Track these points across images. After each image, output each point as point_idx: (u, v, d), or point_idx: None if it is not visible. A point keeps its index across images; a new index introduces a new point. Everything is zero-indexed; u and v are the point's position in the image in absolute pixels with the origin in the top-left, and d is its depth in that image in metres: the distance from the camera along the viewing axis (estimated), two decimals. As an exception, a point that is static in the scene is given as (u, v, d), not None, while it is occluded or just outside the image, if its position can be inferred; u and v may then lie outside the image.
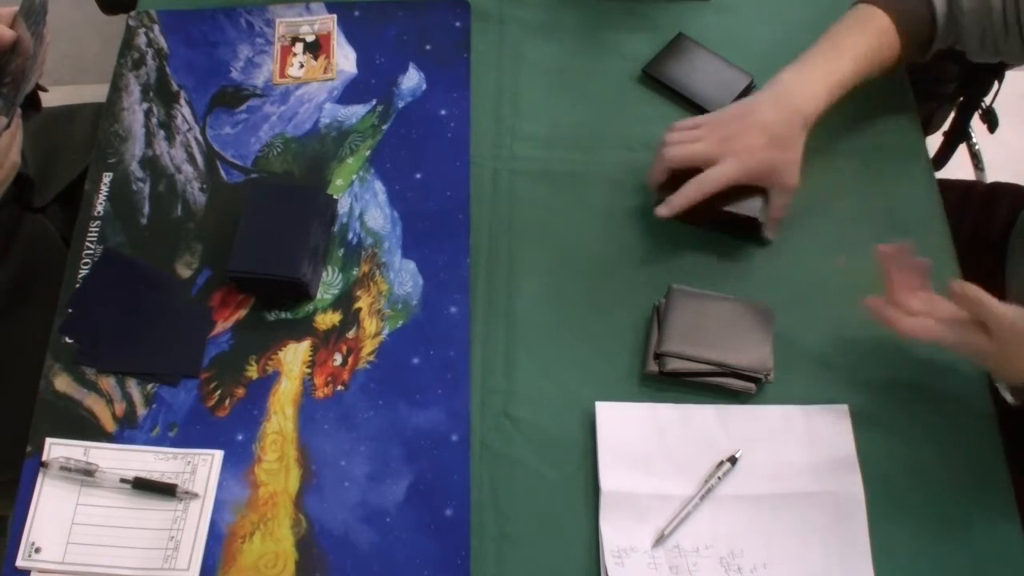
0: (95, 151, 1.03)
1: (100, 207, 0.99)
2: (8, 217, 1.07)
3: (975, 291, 0.75)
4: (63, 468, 0.85)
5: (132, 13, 1.12)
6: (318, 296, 0.94)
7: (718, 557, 0.82)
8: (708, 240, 0.97)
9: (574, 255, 0.97)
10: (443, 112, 1.05)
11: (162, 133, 1.04)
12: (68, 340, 0.92)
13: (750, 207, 0.92)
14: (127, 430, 0.88)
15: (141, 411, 0.89)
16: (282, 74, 1.08)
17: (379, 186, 1.01)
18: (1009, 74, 1.28)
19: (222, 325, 0.93)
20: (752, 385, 0.87)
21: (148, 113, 1.06)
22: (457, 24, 1.11)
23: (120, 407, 0.89)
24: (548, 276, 0.96)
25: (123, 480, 0.84)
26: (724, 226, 0.95)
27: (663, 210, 0.91)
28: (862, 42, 0.90)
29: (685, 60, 1.06)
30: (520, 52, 1.09)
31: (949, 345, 0.79)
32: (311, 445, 0.87)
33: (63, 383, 0.90)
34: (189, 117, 1.05)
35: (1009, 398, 0.83)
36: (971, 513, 0.82)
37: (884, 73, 0.93)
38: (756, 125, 0.88)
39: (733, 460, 0.85)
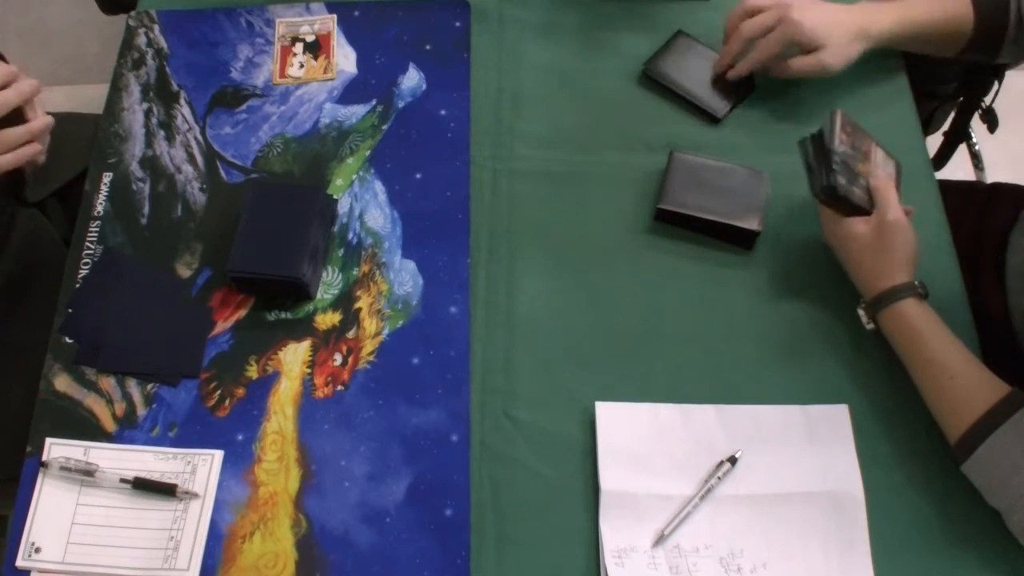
0: (95, 151, 1.03)
1: (100, 207, 0.99)
2: (1, 211, 1.07)
3: (885, 183, 0.87)
4: (63, 468, 0.85)
5: (132, 13, 1.12)
6: (318, 296, 0.94)
7: (718, 557, 0.82)
8: (706, 242, 0.97)
9: (574, 255, 0.97)
10: (443, 112, 1.05)
11: (162, 133, 1.04)
12: (68, 340, 0.92)
13: (749, 220, 0.94)
14: (127, 430, 0.88)
15: (141, 411, 0.89)
16: (282, 74, 1.08)
17: (379, 186, 1.01)
18: (1009, 74, 1.28)
19: (222, 325, 0.93)
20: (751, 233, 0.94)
21: (148, 113, 1.06)
22: (457, 24, 1.11)
23: (120, 407, 0.89)
24: (548, 276, 0.96)
25: (123, 480, 0.84)
26: (720, 233, 0.96)
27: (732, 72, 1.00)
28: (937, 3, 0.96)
29: (685, 59, 1.06)
30: (520, 52, 1.09)
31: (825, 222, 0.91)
32: (311, 445, 0.87)
33: (63, 383, 0.90)
34: (189, 117, 1.05)
35: (865, 320, 0.89)
36: (971, 512, 0.82)
37: (950, 42, 0.97)
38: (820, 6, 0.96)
39: (733, 460, 0.85)
